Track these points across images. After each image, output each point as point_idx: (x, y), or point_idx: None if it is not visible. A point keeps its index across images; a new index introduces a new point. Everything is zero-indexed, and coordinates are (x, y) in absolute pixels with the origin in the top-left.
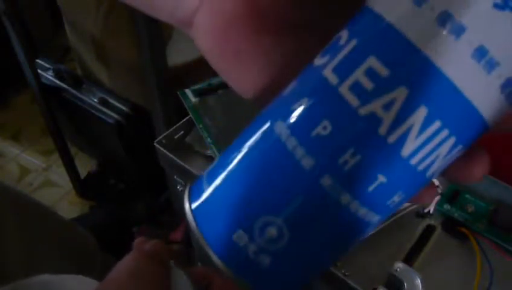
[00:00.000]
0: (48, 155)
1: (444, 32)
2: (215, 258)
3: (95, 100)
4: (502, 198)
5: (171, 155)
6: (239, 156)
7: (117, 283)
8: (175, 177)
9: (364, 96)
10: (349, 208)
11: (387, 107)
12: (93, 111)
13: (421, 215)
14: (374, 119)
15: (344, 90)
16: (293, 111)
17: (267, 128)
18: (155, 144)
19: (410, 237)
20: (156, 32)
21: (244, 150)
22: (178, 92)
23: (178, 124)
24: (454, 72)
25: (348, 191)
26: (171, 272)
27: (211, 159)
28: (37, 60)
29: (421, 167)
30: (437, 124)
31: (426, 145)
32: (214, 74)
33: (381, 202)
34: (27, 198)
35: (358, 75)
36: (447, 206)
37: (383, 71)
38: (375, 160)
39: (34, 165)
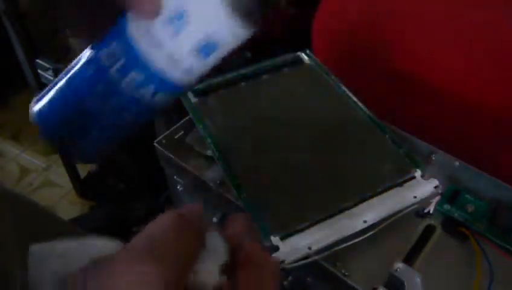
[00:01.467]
0: (47, 155)
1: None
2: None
3: None
4: (502, 198)
5: (171, 155)
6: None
7: (150, 239)
8: (175, 177)
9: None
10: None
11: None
12: None
13: (421, 215)
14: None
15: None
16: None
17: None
18: (155, 144)
19: (410, 237)
20: None
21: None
22: None
23: (178, 124)
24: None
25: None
26: (206, 233)
27: (211, 159)
28: (37, 60)
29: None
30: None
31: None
32: (214, 74)
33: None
34: (26, 199)
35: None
36: (447, 206)
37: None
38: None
39: (34, 165)
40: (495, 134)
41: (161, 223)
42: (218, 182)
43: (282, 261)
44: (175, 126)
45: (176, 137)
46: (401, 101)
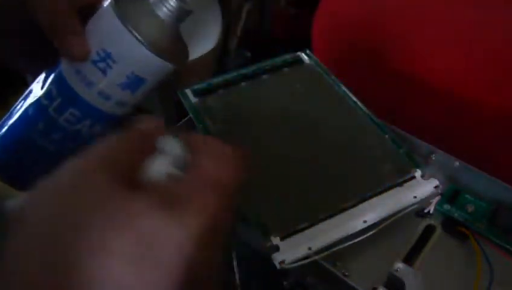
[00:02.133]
0: None
1: None
2: None
3: None
4: (502, 198)
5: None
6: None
7: (97, 147)
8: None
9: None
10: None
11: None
12: None
13: (421, 215)
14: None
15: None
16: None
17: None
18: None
19: (410, 237)
20: None
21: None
22: (178, 92)
23: (178, 124)
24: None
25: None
26: (159, 139)
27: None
28: None
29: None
30: None
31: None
32: (214, 74)
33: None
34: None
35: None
36: (447, 206)
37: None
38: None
39: None
40: (495, 134)
41: (109, 137)
42: None
43: (282, 261)
44: (175, 126)
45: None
46: (401, 101)
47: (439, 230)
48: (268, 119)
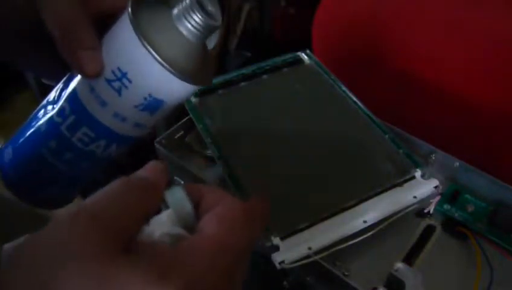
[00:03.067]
0: None
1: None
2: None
3: None
4: (502, 198)
5: (171, 155)
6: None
7: (92, 200)
8: (175, 177)
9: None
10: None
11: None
12: None
13: (421, 215)
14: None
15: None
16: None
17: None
18: (155, 143)
19: (410, 237)
20: None
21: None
22: None
23: (178, 124)
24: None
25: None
26: (166, 191)
27: (211, 159)
28: None
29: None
30: None
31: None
32: (214, 74)
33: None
34: (23, 204)
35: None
36: (447, 206)
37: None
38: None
39: None
40: (495, 134)
41: (108, 188)
42: (218, 182)
43: (282, 261)
44: (175, 126)
45: (176, 137)
46: (401, 101)
47: (439, 230)
48: (268, 119)
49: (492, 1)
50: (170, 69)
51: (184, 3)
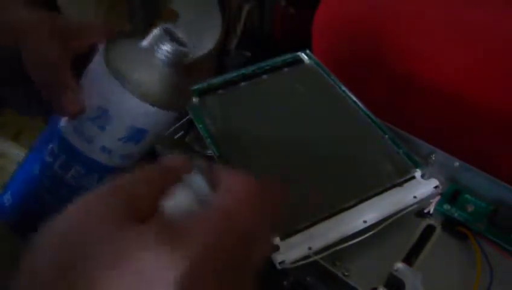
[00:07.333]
0: None
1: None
2: None
3: None
4: (502, 198)
5: (171, 155)
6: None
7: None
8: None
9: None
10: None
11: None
12: None
13: (421, 215)
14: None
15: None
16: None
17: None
18: (155, 143)
19: (410, 237)
20: None
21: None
22: None
23: (178, 124)
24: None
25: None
26: (185, 176)
27: (211, 159)
28: None
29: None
30: None
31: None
32: (214, 74)
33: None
34: None
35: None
36: (447, 206)
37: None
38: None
39: None
40: (495, 134)
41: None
42: None
43: (282, 262)
44: (175, 126)
45: (175, 137)
46: (401, 101)
47: (439, 230)
48: (268, 119)
49: (492, 1)
50: (148, 100)
51: (154, 35)
